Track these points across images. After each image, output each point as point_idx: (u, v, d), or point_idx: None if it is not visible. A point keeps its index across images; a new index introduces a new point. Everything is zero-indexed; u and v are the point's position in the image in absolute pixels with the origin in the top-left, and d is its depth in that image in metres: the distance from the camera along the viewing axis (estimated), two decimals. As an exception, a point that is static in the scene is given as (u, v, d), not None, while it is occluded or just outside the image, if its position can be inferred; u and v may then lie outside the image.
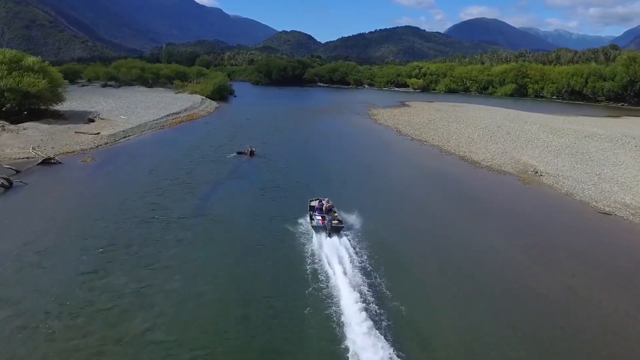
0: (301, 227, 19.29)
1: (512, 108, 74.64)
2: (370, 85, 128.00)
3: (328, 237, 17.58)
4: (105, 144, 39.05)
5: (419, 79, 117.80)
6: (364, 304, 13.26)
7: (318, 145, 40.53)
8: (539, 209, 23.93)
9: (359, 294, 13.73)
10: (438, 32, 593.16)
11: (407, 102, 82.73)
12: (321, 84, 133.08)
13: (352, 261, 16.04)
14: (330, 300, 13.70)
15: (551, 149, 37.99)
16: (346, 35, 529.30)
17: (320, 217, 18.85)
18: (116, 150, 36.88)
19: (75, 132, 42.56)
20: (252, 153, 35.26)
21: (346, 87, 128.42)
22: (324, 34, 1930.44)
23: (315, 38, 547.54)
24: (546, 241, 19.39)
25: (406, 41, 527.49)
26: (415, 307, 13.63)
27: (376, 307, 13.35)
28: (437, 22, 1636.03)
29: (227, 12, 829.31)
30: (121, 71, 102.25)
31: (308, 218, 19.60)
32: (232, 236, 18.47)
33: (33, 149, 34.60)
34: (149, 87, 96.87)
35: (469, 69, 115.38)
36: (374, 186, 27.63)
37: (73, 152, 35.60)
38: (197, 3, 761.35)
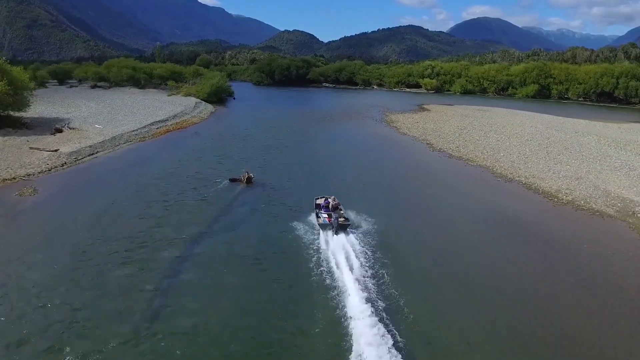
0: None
1: (544, 112, 65.43)
2: (380, 85, 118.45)
3: (335, 235, 17.11)
4: (63, 165, 29.91)
5: (432, 79, 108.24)
6: (370, 300, 12.90)
7: (334, 167, 31.18)
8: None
9: (365, 291, 13.42)
10: (441, 31, 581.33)
11: (424, 106, 73.39)
12: (327, 85, 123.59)
13: (358, 258, 15.63)
14: (336, 297, 13.26)
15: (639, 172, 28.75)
16: (349, 35, 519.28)
17: (326, 215, 18.34)
18: (72, 176, 27.76)
19: (30, 149, 33.52)
20: (249, 180, 26.17)
21: (353, 87, 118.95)
22: (327, 34, 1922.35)
23: (317, 37, 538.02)
24: None
25: (409, 40, 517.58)
26: (421, 306, 13.05)
27: (382, 303, 12.93)
28: (440, 21, 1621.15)
29: (230, 12, 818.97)
30: (112, 71, 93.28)
31: (314, 216, 19.01)
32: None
33: (-42, 175, 25.67)
34: (140, 88, 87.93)
35: (486, 69, 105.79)
36: (419, 241, 18.49)
37: (14, 178, 26.45)
38: (200, 2, 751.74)
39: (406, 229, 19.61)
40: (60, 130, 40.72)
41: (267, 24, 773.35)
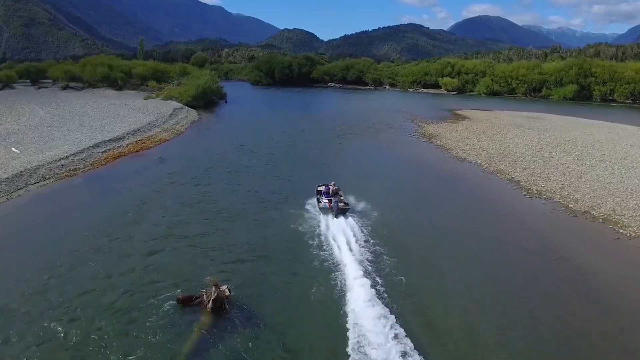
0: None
1: (603, 118, 51.45)
2: (392, 85, 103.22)
3: (335, 218, 17.31)
4: None
5: (453, 78, 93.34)
6: (367, 276, 13.12)
7: (379, 247, 16.32)
8: None
9: (362, 267, 13.70)
10: (442, 29, 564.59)
11: (458, 111, 58.64)
12: (333, 84, 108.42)
13: (357, 239, 15.90)
14: (335, 273, 13.53)
15: None
16: (349, 33, 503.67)
17: (327, 200, 18.33)
18: None
19: None
20: (218, 302, 11.79)
21: (363, 88, 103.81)
22: (327, 32, 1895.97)
23: (317, 36, 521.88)
24: None
25: (410, 39, 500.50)
26: (417, 282, 13.28)
27: (378, 279, 13.17)
28: (440, 20, 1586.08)
29: (229, 10, 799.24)
30: (86, 70, 78.30)
31: (315, 201, 19.13)
32: None
33: None
34: (117, 89, 73.05)
35: (515, 67, 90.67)
36: None
37: None
38: (200, 1, 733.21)
39: None
40: (-51, 159, 26.24)
41: (267, 23, 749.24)
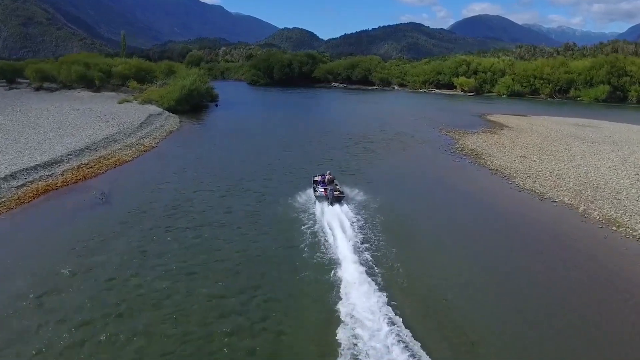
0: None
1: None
2: (401, 85, 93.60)
3: (330, 206, 17.24)
4: None
5: (469, 77, 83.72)
6: (360, 259, 13.07)
7: None
8: None
9: (355, 251, 13.65)
10: (442, 28, 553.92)
11: (489, 117, 49.09)
12: (336, 84, 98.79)
13: (352, 224, 15.87)
14: (329, 256, 13.38)
15: None
16: (349, 33, 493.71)
17: (322, 189, 18.26)
18: None
19: None
20: None
21: (369, 88, 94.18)
22: (326, 32, 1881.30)
23: (317, 35, 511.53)
24: None
25: (410, 38, 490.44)
26: (413, 266, 12.91)
27: (371, 261, 13.08)
28: (440, 19, 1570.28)
29: (229, 10, 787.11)
30: (62, 69, 68.60)
31: (312, 190, 19.14)
32: None
33: None
34: (95, 91, 63.38)
35: (539, 65, 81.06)
36: None
37: None
38: (199, 1, 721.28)
39: None
40: None
41: (267, 22, 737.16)
